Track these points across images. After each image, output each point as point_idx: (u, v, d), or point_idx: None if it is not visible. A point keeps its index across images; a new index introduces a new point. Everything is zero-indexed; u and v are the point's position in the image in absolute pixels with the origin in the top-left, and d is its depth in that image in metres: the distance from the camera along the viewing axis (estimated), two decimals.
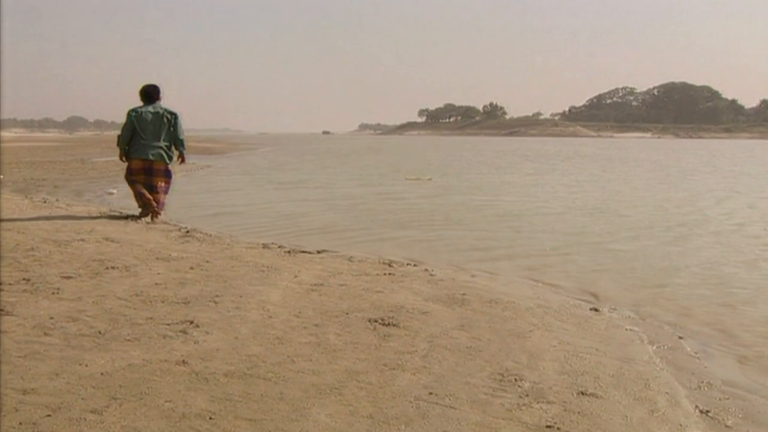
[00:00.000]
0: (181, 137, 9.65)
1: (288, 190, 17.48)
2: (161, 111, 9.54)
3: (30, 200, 12.05)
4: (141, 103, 9.66)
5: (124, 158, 9.72)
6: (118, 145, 9.69)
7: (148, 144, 9.47)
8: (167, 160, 9.63)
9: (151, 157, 9.50)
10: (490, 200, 15.20)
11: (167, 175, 9.75)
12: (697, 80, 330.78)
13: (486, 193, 17.12)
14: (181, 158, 9.92)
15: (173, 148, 9.74)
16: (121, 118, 9.76)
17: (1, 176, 18.07)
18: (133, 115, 9.48)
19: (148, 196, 9.59)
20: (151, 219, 9.55)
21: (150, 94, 9.66)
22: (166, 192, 9.83)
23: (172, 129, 9.59)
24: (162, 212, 9.78)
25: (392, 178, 22.21)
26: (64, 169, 21.63)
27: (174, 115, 9.59)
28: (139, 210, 9.72)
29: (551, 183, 20.81)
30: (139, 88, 9.73)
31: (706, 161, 39.47)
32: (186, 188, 16.24)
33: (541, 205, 14.06)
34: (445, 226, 10.79)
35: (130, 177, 9.66)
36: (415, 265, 7.01)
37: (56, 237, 7.48)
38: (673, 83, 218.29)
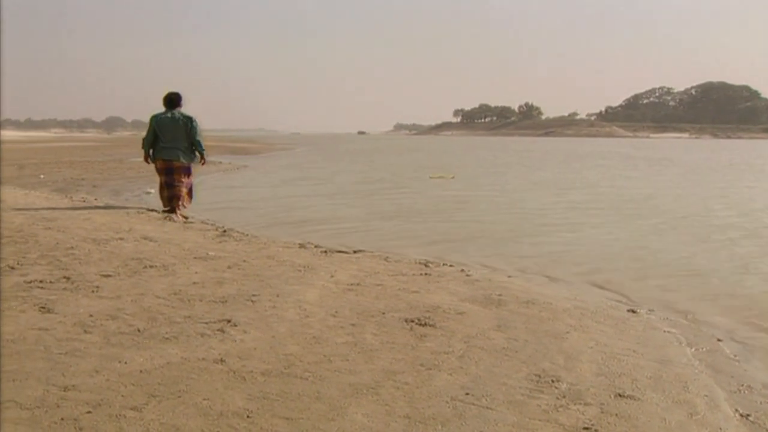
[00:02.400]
0: (197, 138, 10.28)
1: (313, 186, 17.90)
2: (178, 116, 10.21)
3: (70, 199, 12.27)
4: (163, 109, 10.32)
5: (148, 160, 10.51)
6: (142, 147, 10.48)
7: (168, 146, 10.18)
8: (185, 160, 10.28)
9: (170, 158, 10.19)
10: (494, 195, 15.42)
11: (187, 172, 10.42)
12: (735, 80, 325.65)
13: (496, 190, 17.54)
14: (203, 160, 10.61)
15: (193, 148, 10.38)
16: None
17: (42, 176, 18.37)
18: (154, 121, 10.23)
19: (167, 193, 10.32)
20: (172, 212, 10.15)
21: (172, 100, 10.35)
22: (187, 188, 10.50)
23: (189, 132, 10.22)
24: (187, 206, 10.50)
25: (416, 175, 22.69)
26: (103, 169, 21.93)
27: (190, 119, 10.24)
28: (164, 207, 10.43)
29: (568, 181, 20.65)
30: (163, 94, 10.40)
31: None
32: (217, 184, 16.43)
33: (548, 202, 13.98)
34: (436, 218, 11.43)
35: (159, 176, 10.43)
36: (451, 266, 7.00)
37: (95, 236, 7.57)
38: (711, 83, 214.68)
